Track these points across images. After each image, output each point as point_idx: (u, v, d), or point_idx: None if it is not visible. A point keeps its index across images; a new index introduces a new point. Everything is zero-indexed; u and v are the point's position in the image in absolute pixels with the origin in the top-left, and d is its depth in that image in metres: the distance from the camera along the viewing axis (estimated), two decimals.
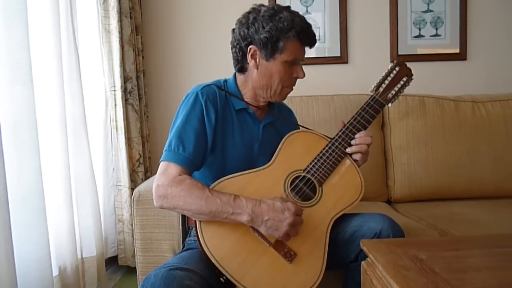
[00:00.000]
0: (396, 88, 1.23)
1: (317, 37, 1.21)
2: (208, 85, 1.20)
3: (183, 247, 1.28)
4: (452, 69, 2.23)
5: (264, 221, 1.01)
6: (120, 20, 1.91)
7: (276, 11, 1.15)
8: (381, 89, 1.23)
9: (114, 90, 1.92)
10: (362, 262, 0.89)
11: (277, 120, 1.29)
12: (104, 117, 1.95)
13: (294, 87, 1.24)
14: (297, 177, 1.15)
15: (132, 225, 1.61)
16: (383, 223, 1.10)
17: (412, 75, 1.25)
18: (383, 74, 1.24)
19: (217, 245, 1.03)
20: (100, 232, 1.79)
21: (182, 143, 1.10)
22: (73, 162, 1.59)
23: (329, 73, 2.22)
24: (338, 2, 2.18)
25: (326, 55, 2.21)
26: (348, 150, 1.18)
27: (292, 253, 1.05)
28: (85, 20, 1.87)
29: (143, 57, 2.13)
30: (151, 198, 1.08)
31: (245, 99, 1.23)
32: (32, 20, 1.33)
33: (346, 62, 2.22)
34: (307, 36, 1.17)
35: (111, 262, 2.02)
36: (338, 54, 2.21)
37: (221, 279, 1.01)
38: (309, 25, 1.17)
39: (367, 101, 1.22)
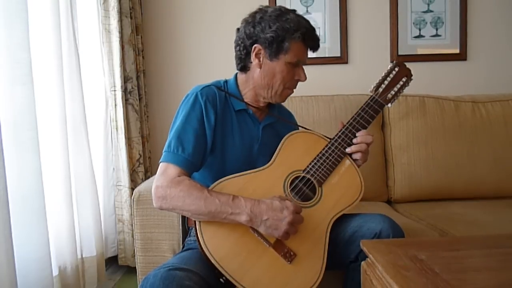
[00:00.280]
0: (395, 89, 1.23)
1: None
2: (208, 85, 1.20)
3: (183, 247, 1.28)
4: (452, 69, 2.23)
5: (263, 221, 1.01)
6: (120, 20, 1.91)
7: (283, 12, 1.16)
8: (380, 90, 1.23)
9: (114, 90, 1.92)
10: (362, 263, 0.90)
11: (277, 122, 1.29)
12: (104, 117, 1.95)
13: (294, 90, 1.24)
14: (296, 178, 1.15)
15: (132, 225, 1.62)
16: (383, 223, 1.10)
17: (411, 75, 1.25)
18: (383, 74, 1.24)
19: (217, 245, 1.03)
20: (100, 232, 1.79)
21: (181, 144, 1.10)
22: (73, 162, 1.59)
23: (329, 73, 2.22)
24: (338, 2, 2.18)
25: (326, 55, 2.21)
26: (348, 150, 1.18)
27: (292, 253, 1.05)
28: (85, 20, 1.87)
29: (143, 57, 2.13)
30: (151, 198, 1.08)
31: (245, 100, 1.23)
32: (32, 20, 1.33)
33: (346, 62, 2.22)
34: (312, 39, 1.18)
35: (111, 262, 2.02)
36: (338, 54, 2.21)
37: (220, 279, 1.01)
38: (314, 29, 1.19)
39: (367, 101, 1.22)
